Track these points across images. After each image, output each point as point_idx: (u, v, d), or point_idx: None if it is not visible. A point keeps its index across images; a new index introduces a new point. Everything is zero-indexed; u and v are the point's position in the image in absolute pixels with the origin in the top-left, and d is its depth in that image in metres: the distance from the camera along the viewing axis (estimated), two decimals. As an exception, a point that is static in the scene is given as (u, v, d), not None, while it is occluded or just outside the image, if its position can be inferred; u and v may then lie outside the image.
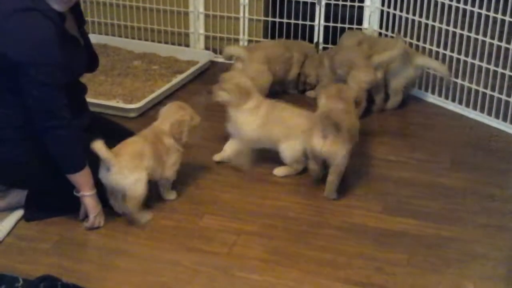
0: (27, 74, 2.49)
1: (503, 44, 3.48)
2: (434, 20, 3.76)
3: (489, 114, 3.64)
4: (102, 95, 3.81)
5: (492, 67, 3.57)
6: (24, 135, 2.65)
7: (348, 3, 4.08)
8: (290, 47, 3.93)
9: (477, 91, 3.68)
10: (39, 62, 2.49)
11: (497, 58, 3.54)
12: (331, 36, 4.16)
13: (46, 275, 2.40)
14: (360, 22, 4.11)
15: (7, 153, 2.67)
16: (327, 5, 4.13)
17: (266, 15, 4.32)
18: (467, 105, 3.73)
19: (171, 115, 2.89)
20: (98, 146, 2.63)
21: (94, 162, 2.67)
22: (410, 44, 3.89)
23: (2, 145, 2.66)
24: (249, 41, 4.37)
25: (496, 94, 3.60)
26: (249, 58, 3.75)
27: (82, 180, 2.67)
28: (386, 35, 4.01)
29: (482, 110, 3.67)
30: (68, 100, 2.59)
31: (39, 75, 2.49)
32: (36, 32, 2.50)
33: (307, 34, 4.22)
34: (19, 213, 2.80)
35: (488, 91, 3.63)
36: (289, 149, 3.10)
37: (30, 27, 2.50)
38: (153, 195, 2.90)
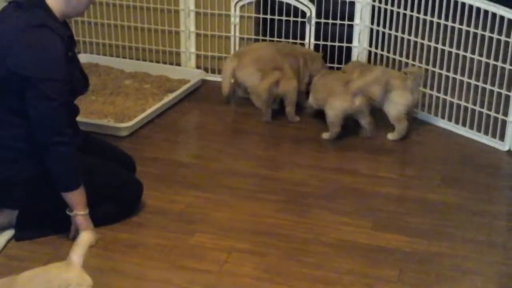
0: (35, 89, 2.52)
1: (491, 61, 3.51)
2: (423, 38, 3.79)
3: (479, 130, 3.66)
4: (94, 114, 3.82)
5: (481, 84, 3.60)
6: (19, 156, 2.67)
7: (338, 22, 4.11)
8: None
9: (466, 108, 3.71)
10: (48, 77, 2.53)
11: (485, 75, 3.57)
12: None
13: (37, 295, 2.40)
14: (350, 40, 4.14)
15: (1, 174, 2.68)
16: (317, 24, 4.16)
17: (257, 34, 4.34)
18: (457, 122, 3.75)
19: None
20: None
21: (88, 182, 2.69)
22: (400, 62, 3.91)
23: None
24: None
25: (485, 111, 3.62)
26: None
27: (76, 199, 2.68)
28: (375, 53, 4.03)
29: (471, 127, 3.69)
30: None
31: (47, 90, 2.53)
32: (47, 48, 2.55)
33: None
34: (10, 233, 2.80)
35: (477, 108, 3.66)
36: None
37: (41, 43, 2.55)
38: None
